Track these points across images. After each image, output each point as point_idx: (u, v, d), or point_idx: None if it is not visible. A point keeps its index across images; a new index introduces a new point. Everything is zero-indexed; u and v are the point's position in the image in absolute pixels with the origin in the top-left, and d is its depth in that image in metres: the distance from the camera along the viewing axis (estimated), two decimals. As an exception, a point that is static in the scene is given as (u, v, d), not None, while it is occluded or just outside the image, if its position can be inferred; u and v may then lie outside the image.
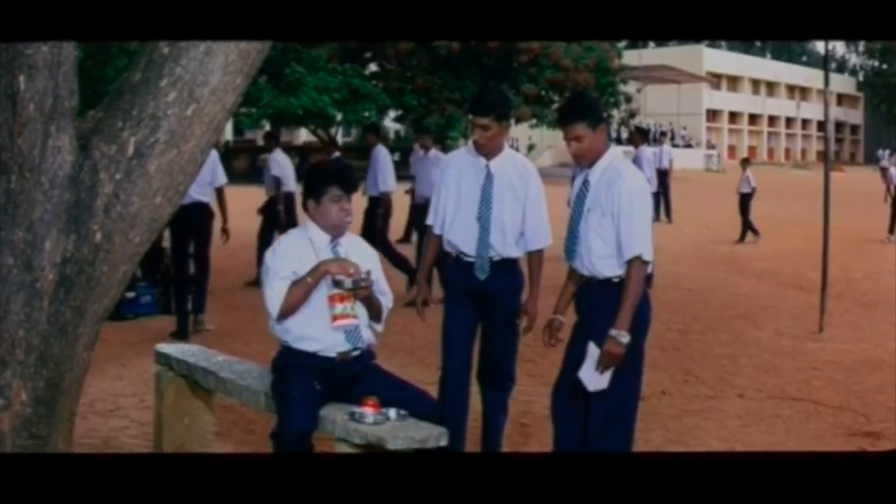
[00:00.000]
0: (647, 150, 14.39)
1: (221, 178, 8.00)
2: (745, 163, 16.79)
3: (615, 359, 3.71)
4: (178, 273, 7.92)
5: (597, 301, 3.83)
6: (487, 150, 4.33)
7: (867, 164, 56.53)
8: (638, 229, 3.74)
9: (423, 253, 4.69)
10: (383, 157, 10.00)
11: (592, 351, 3.76)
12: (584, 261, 3.86)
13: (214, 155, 7.82)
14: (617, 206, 3.74)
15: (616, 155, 3.91)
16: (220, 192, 8.06)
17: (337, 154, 12.08)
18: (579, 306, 3.97)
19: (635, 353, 3.83)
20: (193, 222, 7.63)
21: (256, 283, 9.52)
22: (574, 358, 3.87)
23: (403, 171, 12.78)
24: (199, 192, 7.54)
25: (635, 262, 3.73)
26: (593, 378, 3.76)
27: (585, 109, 3.87)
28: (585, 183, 3.88)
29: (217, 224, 8.06)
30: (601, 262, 3.81)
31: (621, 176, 3.79)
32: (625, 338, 3.69)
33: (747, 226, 15.59)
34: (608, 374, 3.75)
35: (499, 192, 4.32)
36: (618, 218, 3.74)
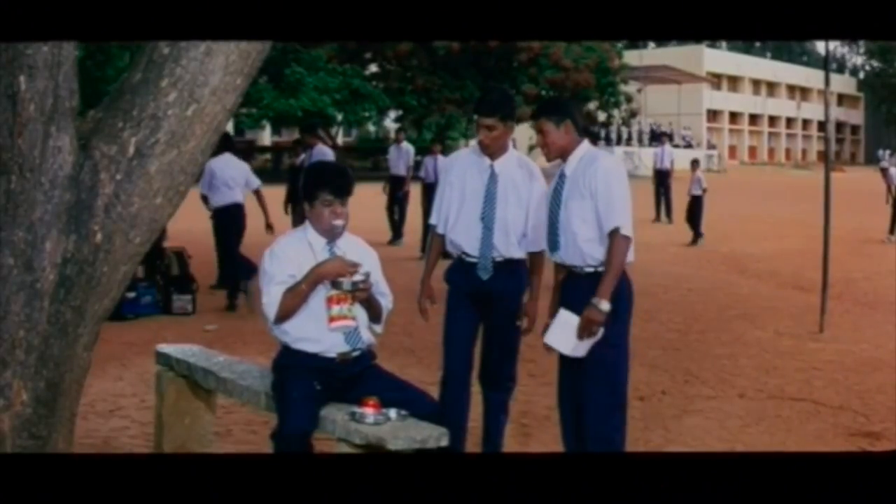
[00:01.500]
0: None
1: (254, 182, 9.16)
2: (696, 164, 16.34)
3: (594, 325, 3.78)
4: (237, 261, 9.01)
5: (586, 295, 3.85)
6: (493, 151, 4.33)
7: (868, 164, 56.53)
8: (616, 203, 3.83)
9: (427, 253, 4.68)
10: (330, 154, 11.40)
11: (564, 316, 3.84)
12: (571, 249, 3.92)
13: (245, 165, 9.31)
14: (594, 184, 3.85)
15: (588, 148, 4.02)
16: (257, 194, 9.15)
17: (302, 157, 12.21)
18: (566, 300, 3.98)
19: (620, 341, 3.89)
20: (234, 221, 8.91)
21: (219, 286, 9.55)
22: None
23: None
24: (238, 195, 8.90)
25: (616, 236, 3.80)
26: (568, 343, 3.83)
27: (548, 106, 4.12)
28: (561, 176, 3.99)
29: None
30: (588, 245, 3.87)
31: (596, 158, 3.95)
32: (605, 306, 3.76)
33: (695, 228, 15.22)
34: (587, 344, 3.81)
35: (503, 192, 4.32)
36: (595, 195, 3.84)
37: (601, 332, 3.80)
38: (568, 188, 3.93)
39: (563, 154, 3.99)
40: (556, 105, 4.16)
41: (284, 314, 3.73)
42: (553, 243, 3.99)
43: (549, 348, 3.93)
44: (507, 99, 4.53)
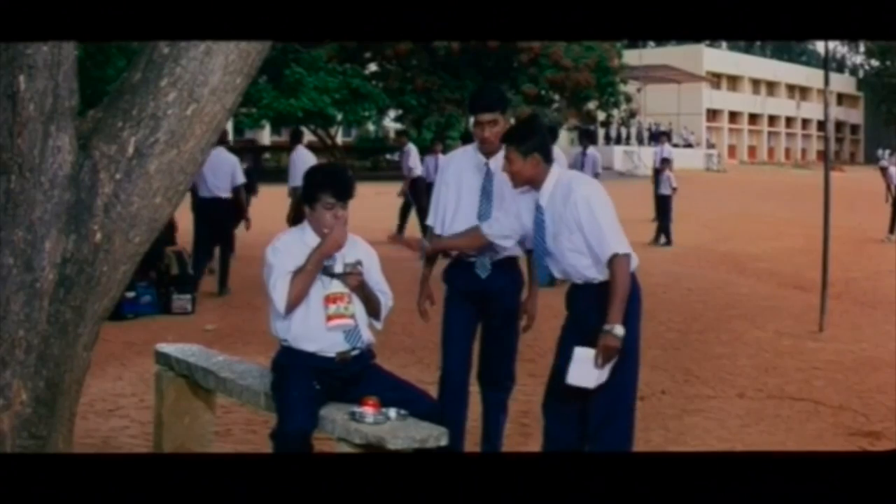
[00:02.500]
0: (595, 151, 13.41)
1: (239, 178, 9.65)
2: (665, 163, 15.95)
3: (613, 352, 3.74)
4: (198, 251, 9.45)
5: (595, 301, 3.84)
6: (496, 147, 4.32)
7: (867, 163, 56.43)
8: (605, 230, 3.78)
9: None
10: (307, 156, 11.67)
11: (580, 353, 3.78)
12: (574, 275, 3.92)
13: (235, 159, 9.78)
14: (578, 217, 3.80)
15: (559, 174, 3.93)
16: (237, 190, 9.64)
17: (247, 164, 12.30)
18: (573, 305, 3.98)
19: (632, 345, 3.86)
20: (217, 214, 9.41)
21: (222, 282, 9.78)
22: (568, 355, 3.88)
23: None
24: (223, 189, 9.38)
25: (615, 260, 3.76)
26: (590, 376, 3.77)
27: (517, 135, 3.96)
28: (539, 209, 3.93)
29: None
30: (590, 270, 3.86)
31: (571, 187, 3.85)
32: (620, 330, 3.72)
33: (664, 229, 14.99)
34: (608, 368, 3.77)
35: (499, 189, 4.32)
36: (582, 229, 3.79)
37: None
38: (551, 222, 3.88)
39: (531, 184, 3.92)
40: (523, 135, 3.96)
41: (295, 300, 3.74)
42: (550, 273, 3.97)
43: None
44: (501, 93, 4.61)
